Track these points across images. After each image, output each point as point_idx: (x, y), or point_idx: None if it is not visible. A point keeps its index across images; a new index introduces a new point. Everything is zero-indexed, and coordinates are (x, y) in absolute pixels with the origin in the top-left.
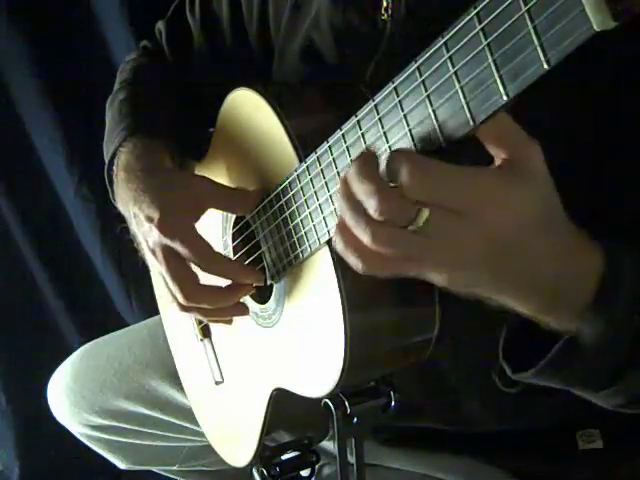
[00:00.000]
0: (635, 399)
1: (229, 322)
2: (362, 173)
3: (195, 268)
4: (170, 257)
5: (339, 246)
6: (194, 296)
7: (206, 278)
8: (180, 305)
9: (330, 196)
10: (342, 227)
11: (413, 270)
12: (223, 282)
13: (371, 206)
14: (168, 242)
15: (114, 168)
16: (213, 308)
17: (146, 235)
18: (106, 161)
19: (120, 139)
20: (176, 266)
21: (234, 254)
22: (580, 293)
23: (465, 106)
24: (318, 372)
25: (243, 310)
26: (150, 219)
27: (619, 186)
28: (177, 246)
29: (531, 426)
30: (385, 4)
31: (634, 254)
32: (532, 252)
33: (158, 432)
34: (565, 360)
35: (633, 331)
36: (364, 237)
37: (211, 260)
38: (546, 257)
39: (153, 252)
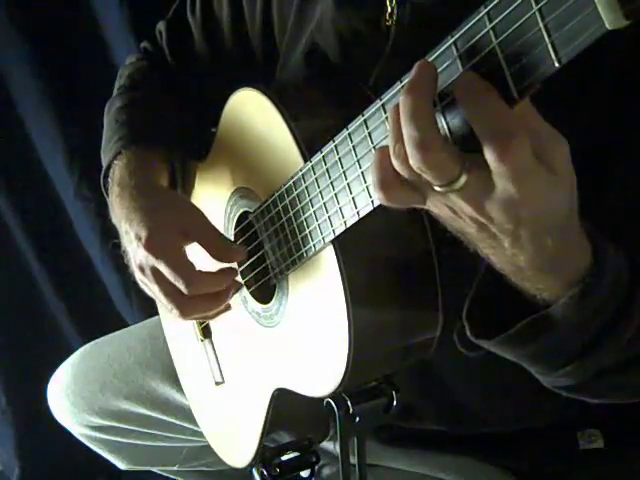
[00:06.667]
0: (583, 381)
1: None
2: (413, 112)
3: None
4: (160, 277)
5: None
6: (190, 307)
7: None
8: (180, 316)
9: (335, 195)
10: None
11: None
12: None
13: (413, 155)
14: (154, 262)
15: (109, 180)
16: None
17: (134, 253)
18: (102, 172)
19: (115, 151)
20: (168, 284)
21: None
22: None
23: None
24: (321, 371)
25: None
26: (138, 237)
27: (619, 186)
28: (161, 267)
29: (532, 426)
30: (389, 9)
31: (618, 251)
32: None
33: (158, 432)
34: (533, 333)
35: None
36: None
37: (196, 284)
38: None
39: (142, 271)
